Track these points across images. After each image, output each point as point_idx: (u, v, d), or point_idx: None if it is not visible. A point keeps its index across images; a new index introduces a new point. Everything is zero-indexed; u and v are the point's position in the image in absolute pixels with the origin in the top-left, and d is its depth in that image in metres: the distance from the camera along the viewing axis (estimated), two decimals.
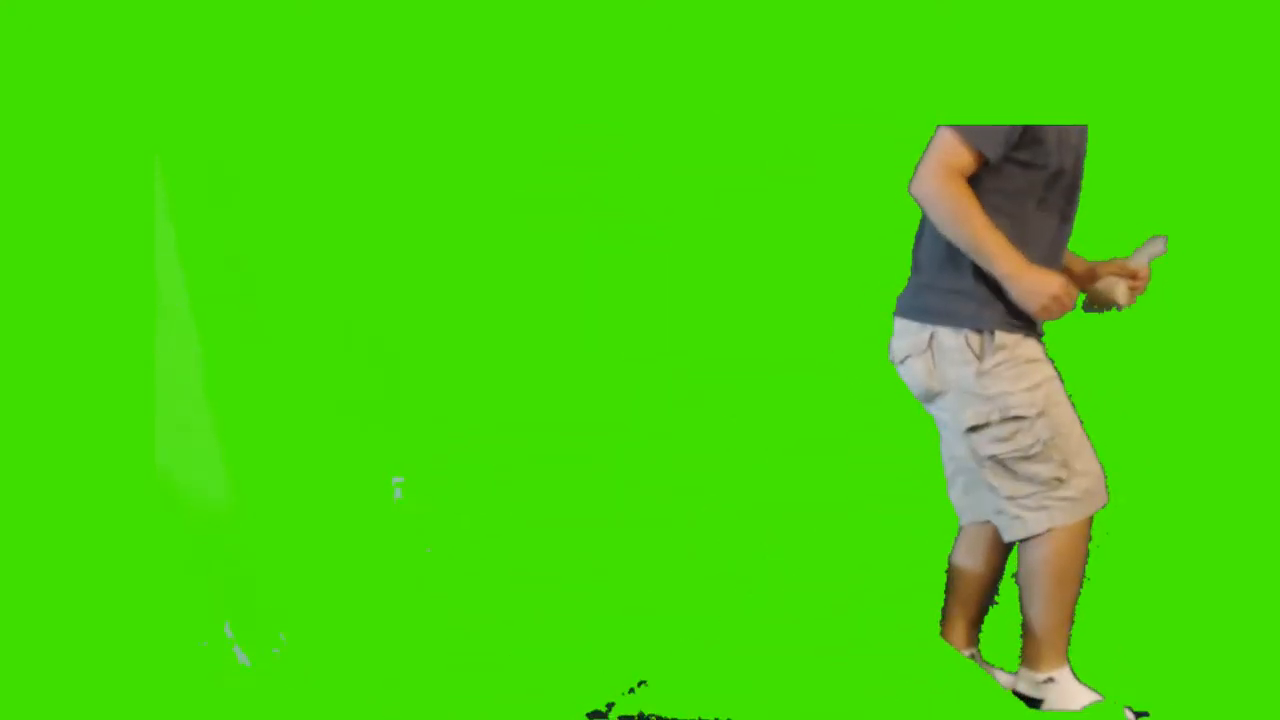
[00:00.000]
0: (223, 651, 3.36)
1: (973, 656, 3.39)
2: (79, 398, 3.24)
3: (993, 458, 3.16)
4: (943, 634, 3.42)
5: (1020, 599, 3.24)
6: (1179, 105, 3.43)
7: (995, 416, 3.14)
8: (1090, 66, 3.31)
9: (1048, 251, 3.25)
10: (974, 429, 3.16)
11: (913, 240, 3.30)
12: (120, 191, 3.34)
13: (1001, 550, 3.41)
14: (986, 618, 3.50)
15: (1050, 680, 3.21)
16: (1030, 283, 3.08)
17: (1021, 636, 3.26)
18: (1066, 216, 3.28)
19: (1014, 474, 3.15)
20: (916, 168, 3.09)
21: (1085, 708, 3.19)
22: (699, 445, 3.86)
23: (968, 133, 3.07)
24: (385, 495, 3.64)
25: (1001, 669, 3.43)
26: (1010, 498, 3.16)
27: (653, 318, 3.91)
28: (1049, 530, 3.13)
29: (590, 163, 3.81)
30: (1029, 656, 3.23)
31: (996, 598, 3.51)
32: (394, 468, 3.66)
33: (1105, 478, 3.19)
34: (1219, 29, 3.38)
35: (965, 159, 3.07)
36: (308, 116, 3.59)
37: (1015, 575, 3.25)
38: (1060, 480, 3.13)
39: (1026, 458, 3.13)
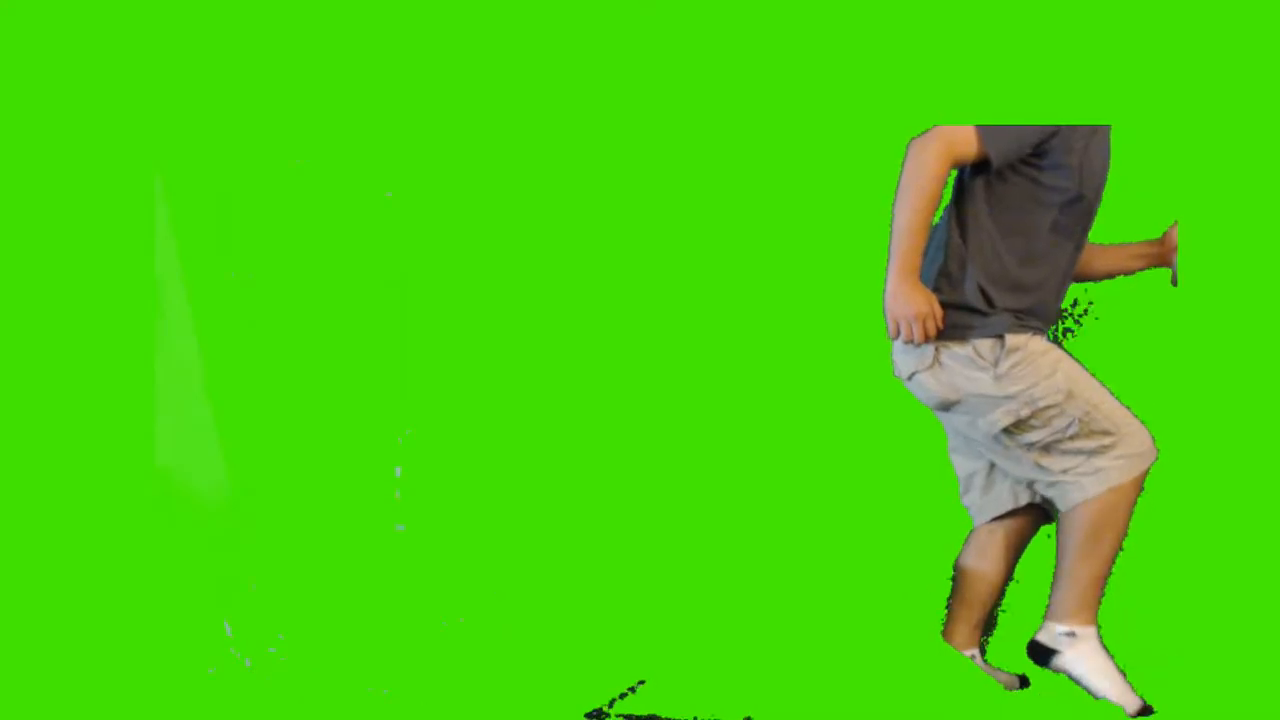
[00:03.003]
0: (223, 652, 3.37)
1: (973, 657, 3.38)
2: (79, 398, 3.25)
3: (1033, 444, 3.18)
4: (945, 634, 3.41)
5: (1057, 554, 3.23)
6: (1183, 108, 3.41)
7: (1025, 411, 3.16)
8: (1096, 72, 3.31)
9: (1057, 274, 3.26)
10: (1008, 429, 3.17)
11: None
12: (121, 193, 3.34)
13: (1013, 554, 3.41)
14: (990, 619, 3.49)
15: (1071, 634, 3.20)
16: (906, 292, 3.12)
17: (1051, 590, 3.24)
18: (1079, 244, 3.30)
19: (1061, 452, 3.18)
20: (932, 128, 3.13)
21: (1101, 699, 3.16)
22: (701, 446, 3.85)
23: (983, 129, 3.12)
24: (384, 495, 3.64)
25: (1002, 670, 3.42)
26: (1064, 470, 3.19)
27: (655, 318, 3.90)
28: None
29: (590, 163, 3.80)
30: (1055, 608, 3.22)
31: (1002, 603, 3.50)
32: (393, 467, 3.66)
33: (1151, 435, 3.21)
34: (1225, 31, 3.36)
35: (969, 150, 3.12)
36: (306, 117, 3.59)
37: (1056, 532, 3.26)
38: (1106, 447, 3.16)
39: (1068, 438, 3.16)
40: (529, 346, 3.79)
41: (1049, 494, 3.24)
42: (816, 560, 3.71)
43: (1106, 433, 3.16)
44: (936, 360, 3.20)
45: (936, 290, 3.22)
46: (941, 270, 3.25)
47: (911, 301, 3.13)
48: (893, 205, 3.15)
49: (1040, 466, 3.20)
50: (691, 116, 3.83)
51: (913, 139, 3.13)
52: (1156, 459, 3.21)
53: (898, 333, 3.16)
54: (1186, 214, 3.46)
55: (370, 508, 3.61)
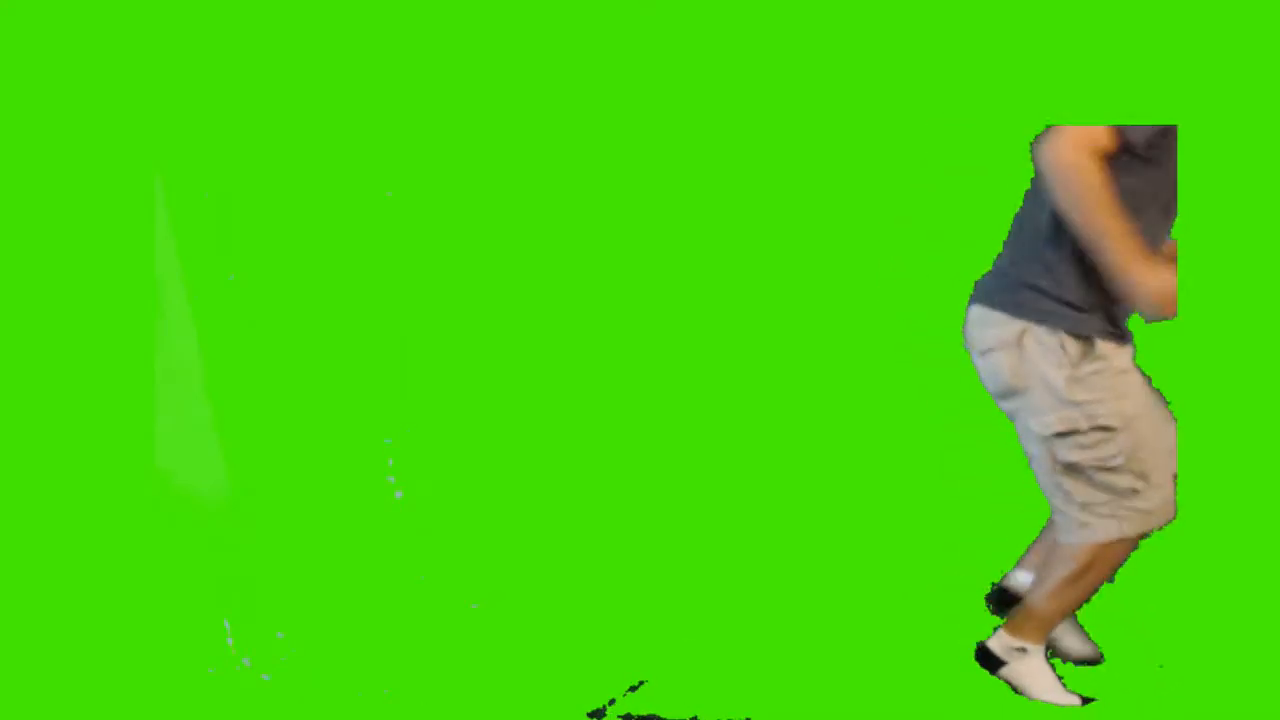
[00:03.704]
0: (222, 652, 3.37)
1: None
2: (79, 398, 3.25)
3: (1072, 464, 3.03)
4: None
5: (1036, 574, 3.22)
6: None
7: (1083, 424, 2.99)
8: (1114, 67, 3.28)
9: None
10: (1059, 435, 3.02)
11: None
12: (121, 193, 3.35)
13: None
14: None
15: (1022, 650, 3.20)
16: (1155, 278, 2.81)
17: (1021, 602, 3.25)
18: (1173, 223, 3.06)
19: (1090, 482, 3.04)
20: (1048, 133, 2.81)
21: (1059, 706, 3.17)
22: (701, 443, 3.86)
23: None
24: (384, 495, 3.65)
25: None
26: (1084, 504, 3.06)
27: (658, 316, 3.91)
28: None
29: (592, 161, 3.81)
30: (1014, 622, 3.22)
31: None
32: (392, 466, 3.67)
33: (1175, 495, 3.06)
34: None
35: (1104, 140, 2.81)
36: (306, 117, 3.60)
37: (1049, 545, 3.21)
38: (1136, 491, 3.03)
39: (1107, 468, 3.02)
40: (531, 345, 3.80)
41: (1057, 518, 3.13)
42: (816, 559, 3.71)
43: (1143, 476, 3.03)
44: (1020, 342, 3.02)
45: (1039, 279, 2.99)
46: (1039, 258, 3.00)
47: (1165, 282, 2.81)
48: (1071, 217, 2.83)
49: (1063, 489, 3.07)
50: (696, 112, 3.84)
51: (1043, 151, 2.81)
52: (1171, 520, 3.08)
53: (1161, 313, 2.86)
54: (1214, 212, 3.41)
55: (370, 507, 3.62)
